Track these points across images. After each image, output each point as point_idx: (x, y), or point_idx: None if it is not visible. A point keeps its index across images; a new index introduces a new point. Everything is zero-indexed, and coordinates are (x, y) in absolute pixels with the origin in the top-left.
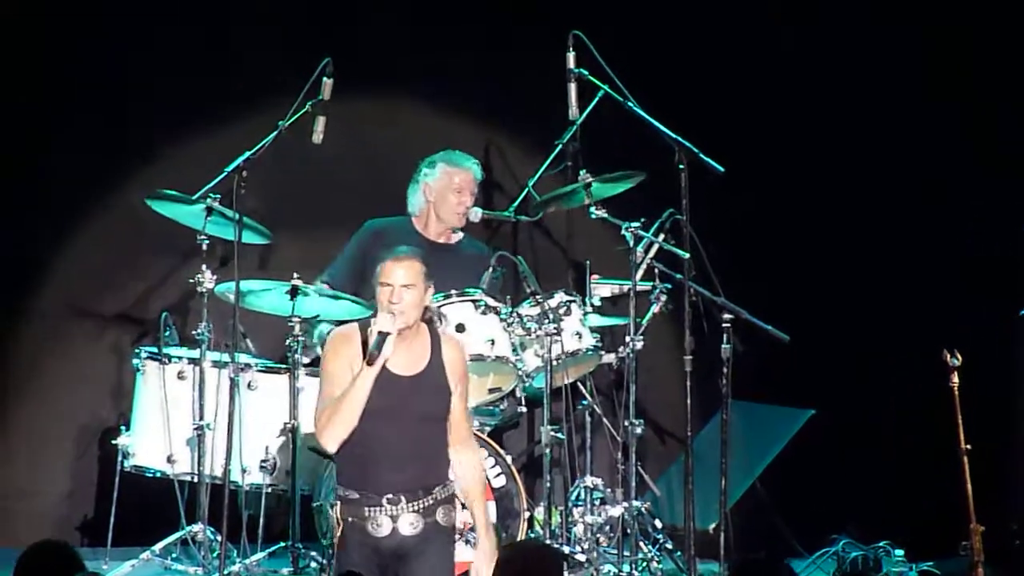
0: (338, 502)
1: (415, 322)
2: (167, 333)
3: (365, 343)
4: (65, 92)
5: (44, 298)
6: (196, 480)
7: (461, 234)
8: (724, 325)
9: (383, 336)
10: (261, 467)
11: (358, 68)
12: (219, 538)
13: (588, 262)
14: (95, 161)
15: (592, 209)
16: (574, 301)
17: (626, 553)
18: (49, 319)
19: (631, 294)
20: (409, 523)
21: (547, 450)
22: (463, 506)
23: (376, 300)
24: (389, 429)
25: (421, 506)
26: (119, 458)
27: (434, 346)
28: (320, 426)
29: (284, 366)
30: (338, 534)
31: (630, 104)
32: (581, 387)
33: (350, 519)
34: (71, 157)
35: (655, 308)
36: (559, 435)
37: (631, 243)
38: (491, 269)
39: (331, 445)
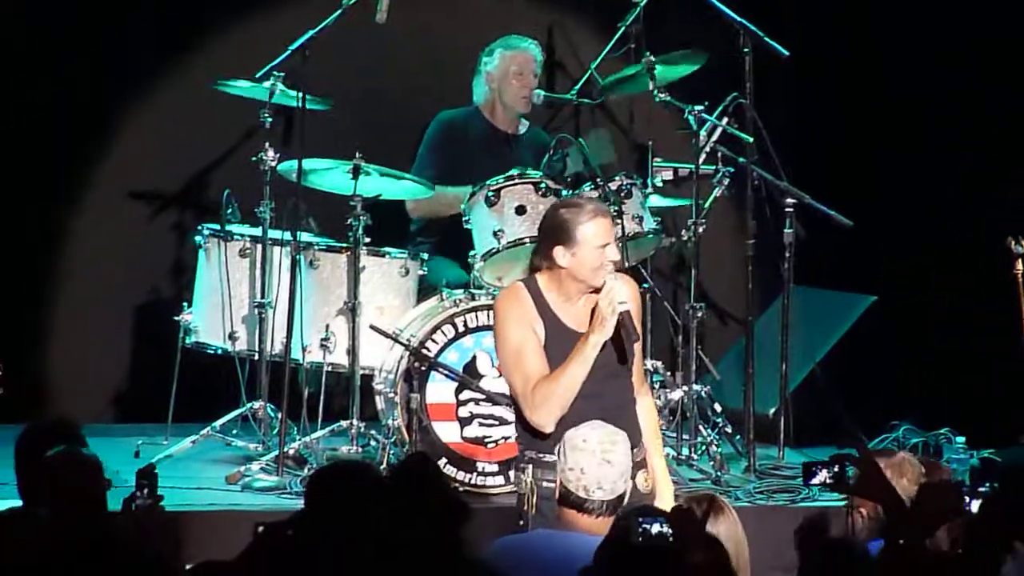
0: (529, 464)
1: None
2: (229, 211)
3: (536, 300)
4: None
5: (105, 176)
6: (257, 358)
7: (527, 124)
8: (787, 210)
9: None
10: (321, 345)
11: None
12: (279, 415)
13: (651, 144)
14: (157, 41)
15: (656, 93)
16: (635, 184)
17: (685, 436)
18: (111, 198)
19: (693, 177)
20: None
21: None
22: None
23: (578, 265)
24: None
25: None
26: (180, 335)
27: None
28: (534, 404)
29: (346, 245)
30: (533, 501)
31: None
32: (642, 270)
33: (544, 483)
34: (134, 37)
35: (717, 192)
36: None
37: (694, 126)
38: (552, 151)
39: (549, 425)
